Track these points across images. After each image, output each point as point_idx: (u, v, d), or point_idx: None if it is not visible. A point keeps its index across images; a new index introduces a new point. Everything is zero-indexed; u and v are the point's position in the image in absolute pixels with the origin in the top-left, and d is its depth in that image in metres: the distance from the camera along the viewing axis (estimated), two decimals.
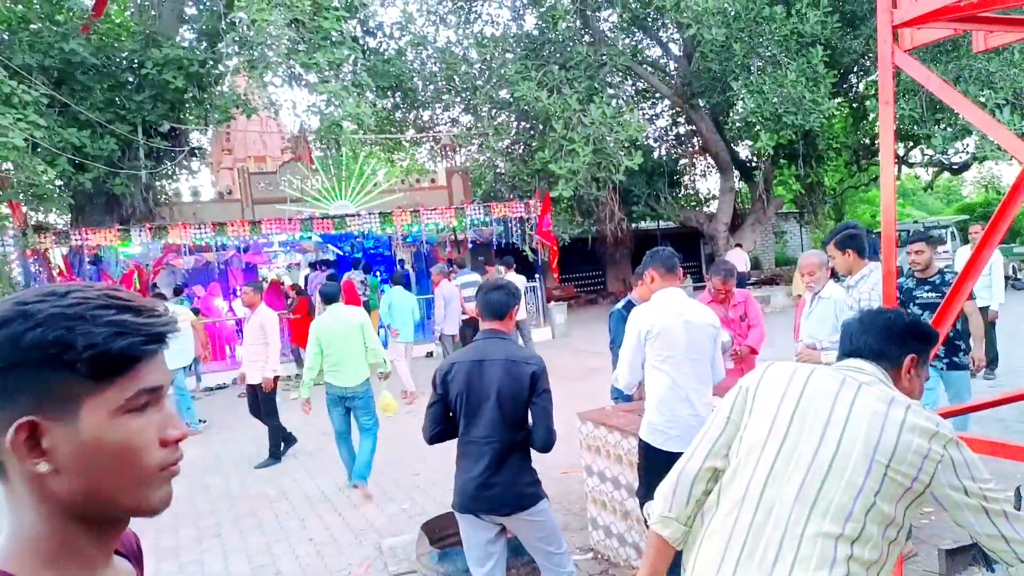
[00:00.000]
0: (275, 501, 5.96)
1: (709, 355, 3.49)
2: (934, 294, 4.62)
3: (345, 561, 4.62)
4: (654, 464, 3.20)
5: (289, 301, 12.88)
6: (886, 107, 2.63)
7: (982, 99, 12.95)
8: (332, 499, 5.90)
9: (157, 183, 14.19)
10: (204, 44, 13.32)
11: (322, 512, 5.60)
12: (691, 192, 24.07)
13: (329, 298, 6.13)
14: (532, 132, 17.53)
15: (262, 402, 7.07)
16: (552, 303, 16.14)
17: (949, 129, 14.47)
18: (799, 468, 1.60)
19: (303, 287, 14.34)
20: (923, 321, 1.90)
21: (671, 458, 2.21)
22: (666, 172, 20.58)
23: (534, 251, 14.88)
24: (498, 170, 16.44)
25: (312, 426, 8.01)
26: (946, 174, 25.89)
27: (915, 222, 25.80)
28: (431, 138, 18.86)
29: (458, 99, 17.32)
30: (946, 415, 2.45)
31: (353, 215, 13.70)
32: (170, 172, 14.13)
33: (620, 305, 5.17)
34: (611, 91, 16.80)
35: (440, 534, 3.81)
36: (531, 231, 14.97)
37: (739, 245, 17.98)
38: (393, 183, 16.72)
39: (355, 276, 13.80)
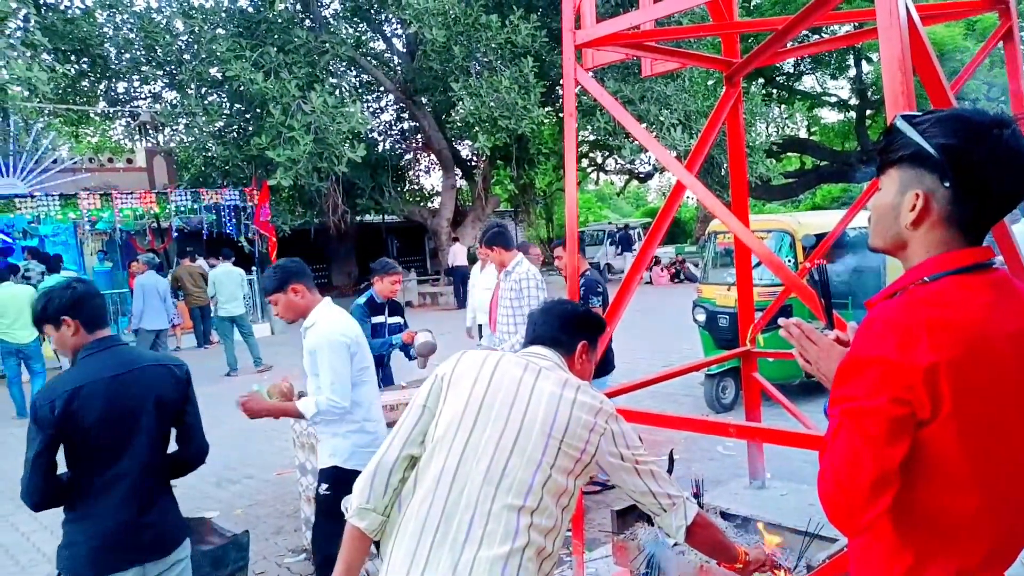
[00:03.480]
0: None
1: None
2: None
3: None
4: None
5: None
6: (570, 119, 2.92)
7: (662, 118, 14.98)
8: None
9: None
10: None
11: None
12: (416, 187, 24.49)
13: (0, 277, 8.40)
14: (248, 116, 16.46)
15: None
16: None
17: (636, 142, 16.47)
18: (487, 450, 1.70)
19: None
20: (594, 312, 2.14)
21: None
22: (390, 166, 20.69)
23: (251, 242, 14.03)
24: (209, 154, 15.11)
25: None
26: (635, 182, 29.67)
27: (609, 223, 29.33)
28: (127, 113, 16.77)
29: (160, 72, 15.61)
30: (611, 394, 2.80)
31: (23, 196, 11.72)
32: None
33: (362, 300, 5.06)
34: (333, 80, 16.39)
35: None
36: (247, 220, 14.08)
37: (456, 239, 18.75)
38: (79, 161, 14.58)
39: (32, 268, 11.80)
